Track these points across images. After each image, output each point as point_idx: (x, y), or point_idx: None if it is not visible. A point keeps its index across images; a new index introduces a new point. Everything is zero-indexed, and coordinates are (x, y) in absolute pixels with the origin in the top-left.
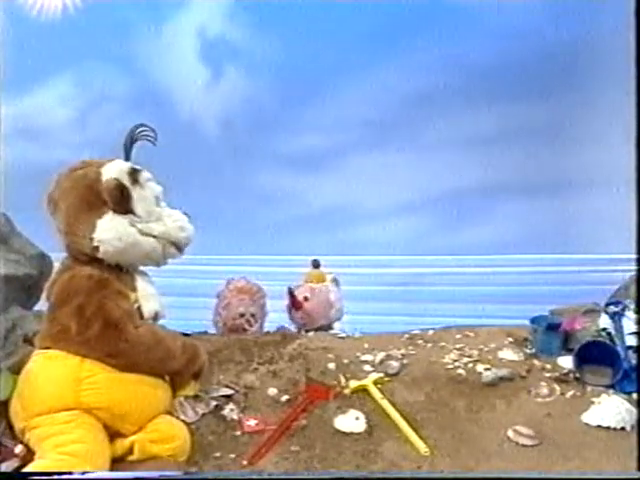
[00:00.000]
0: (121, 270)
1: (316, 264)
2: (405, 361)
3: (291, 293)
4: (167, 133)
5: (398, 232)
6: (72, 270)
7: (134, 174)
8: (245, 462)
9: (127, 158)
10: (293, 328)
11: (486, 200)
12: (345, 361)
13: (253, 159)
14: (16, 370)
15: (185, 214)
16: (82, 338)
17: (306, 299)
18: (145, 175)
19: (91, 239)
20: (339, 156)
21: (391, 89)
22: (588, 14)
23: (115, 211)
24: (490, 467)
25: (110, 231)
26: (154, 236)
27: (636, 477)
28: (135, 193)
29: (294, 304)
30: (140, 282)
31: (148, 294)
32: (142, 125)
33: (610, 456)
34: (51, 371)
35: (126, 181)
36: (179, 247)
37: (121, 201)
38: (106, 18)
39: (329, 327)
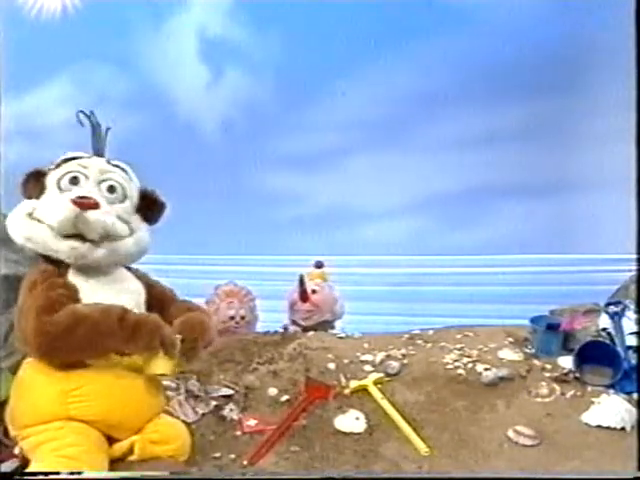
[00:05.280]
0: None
1: (319, 265)
2: (405, 361)
3: (302, 281)
4: (167, 133)
5: (398, 232)
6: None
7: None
8: (245, 462)
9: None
10: (291, 324)
11: (486, 200)
12: (345, 361)
13: (253, 159)
14: (16, 370)
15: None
16: (25, 346)
17: (314, 292)
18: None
19: None
20: (339, 156)
21: (391, 89)
22: (588, 14)
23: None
24: (490, 467)
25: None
26: (39, 220)
27: (636, 477)
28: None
29: (302, 294)
30: (84, 286)
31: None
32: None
33: (610, 456)
34: (37, 383)
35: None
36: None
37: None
38: (105, 18)
39: (331, 324)
